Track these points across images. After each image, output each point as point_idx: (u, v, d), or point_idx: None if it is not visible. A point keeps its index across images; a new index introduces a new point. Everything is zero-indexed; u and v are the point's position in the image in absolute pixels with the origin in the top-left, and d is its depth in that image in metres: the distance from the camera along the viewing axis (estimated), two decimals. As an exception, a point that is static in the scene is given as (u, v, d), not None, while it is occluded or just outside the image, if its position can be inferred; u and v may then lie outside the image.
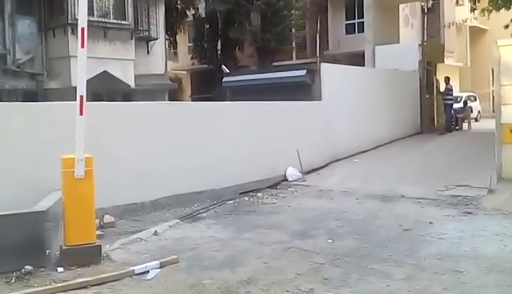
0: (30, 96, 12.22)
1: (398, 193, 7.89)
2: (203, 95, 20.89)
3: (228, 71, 14.84)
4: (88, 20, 14.89)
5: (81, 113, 4.72)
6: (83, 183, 4.72)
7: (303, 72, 11.68)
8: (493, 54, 8.03)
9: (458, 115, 17.08)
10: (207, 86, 20.75)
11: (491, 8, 14.65)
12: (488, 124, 12.89)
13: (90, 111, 6.93)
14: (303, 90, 11.21)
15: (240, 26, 19.42)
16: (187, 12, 21.58)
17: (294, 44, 21.97)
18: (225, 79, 13.77)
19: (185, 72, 27.12)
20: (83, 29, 4.76)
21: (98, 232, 5.41)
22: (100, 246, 4.93)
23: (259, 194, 8.25)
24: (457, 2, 17.74)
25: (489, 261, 4.63)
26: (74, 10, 12.63)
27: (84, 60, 4.76)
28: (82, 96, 4.68)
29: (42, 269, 4.55)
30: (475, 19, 26.65)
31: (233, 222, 6.53)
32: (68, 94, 11.75)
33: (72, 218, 4.74)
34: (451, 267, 4.51)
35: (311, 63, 17.14)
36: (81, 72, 4.74)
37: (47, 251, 4.67)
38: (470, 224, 5.98)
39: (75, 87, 12.69)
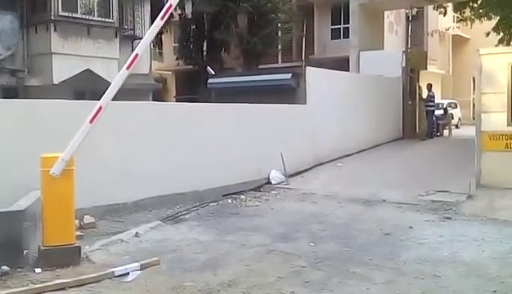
0: (10, 93, 11.98)
1: (380, 197, 7.97)
2: (187, 96, 20.80)
3: (213, 73, 14.81)
4: (72, 17, 14.79)
5: (91, 122, 4.74)
6: (62, 182, 4.64)
7: (289, 75, 11.74)
8: (475, 62, 8.21)
9: (439, 121, 17.38)
10: (192, 88, 20.67)
11: (473, 17, 14.99)
12: (468, 131, 13.15)
13: (72, 109, 6.86)
14: (288, 93, 11.26)
15: (226, 28, 19.39)
16: (173, 12, 21.44)
17: (279, 47, 22.06)
18: (210, 81, 13.74)
19: (170, 72, 26.96)
20: (136, 55, 4.88)
21: (78, 232, 5.33)
22: (79, 247, 4.86)
23: (242, 197, 8.24)
24: (442, 12, 18.06)
25: (467, 266, 4.71)
26: (57, 6, 12.46)
27: (122, 79, 4.84)
28: (101, 107, 4.78)
29: (19, 269, 4.46)
30: (458, 28, 27.19)
31: (216, 224, 6.51)
32: (49, 91, 11.61)
33: (51, 218, 4.67)
34: (430, 271, 4.57)
35: (296, 67, 17.25)
36: (114, 87, 4.84)
37: (25, 252, 4.58)
38: (449, 230, 6.07)
39: (57, 85, 12.56)
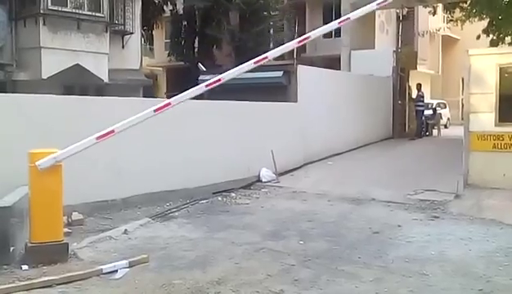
0: (-2, 87, 11.81)
1: (369, 196, 8.01)
2: (178, 92, 20.63)
3: (205, 69, 14.74)
4: (61, 11, 14.57)
5: (98, 139, 4.80)
6: (50, 178, 4.59)
7: (280, 73, 11.72)
8: (464, 63, 8.28)
9: (428, 121, 17.52)
10: (183, 84, 20.42)
11: (464, 18, 15.12)
12: (457, 131, 13.29)
13: (62, 104, 6.79)
14: (280, 91, 11.25)
15: (218, 24, 19.33)
16: (165, 8, 21.32)
17: (271, 45, 22.03)
18: (201, 77, 13.64)
19: (160, 68, 26.79)
20: (169, 103, 5.19)
21: (66, 229, 5.27)
22: (67, 244, 4.82)
23: (233, 194, 8.23)
24: (431, 11, 18.21)
25: (454, 265, 4.75)
26: (46, 0, 12.28)
27: (146, 117, 4.98)
28: (113, 131, 4.87)
29: (5, 266, 4.42)
30: (448, 28, 27.42)
31: (205, 222, 6.49)
32: (38, 86, 11.45)
33: (38, 214, 4.61)
34: (417, 270, 4.61)
35: (288, 65, 17.23)
36: (134, 120, 4.95)
37: (12, 248, 4.53)
38: (437, 229, 6.13)
39: (46, 79, 12.38)
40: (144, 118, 4.95)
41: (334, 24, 5.41)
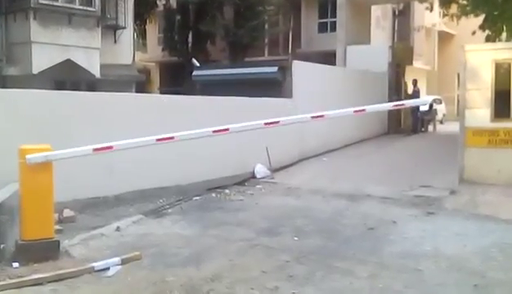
0: (-12, 83, 11.65)
1: (364, 192, 7.99)
2: (172, 87, 20.55)
3: (198, 64, 14.65)
4: (52, 5, 14.41)
5: (95, 150, 4.86)
6: (41, 174, 4.52)
7: (275, 68, 11.65)
8: (460, 58, 8.26)
9: (424, 117, 17.55)
10: (176, 79, 20.44)
11: (459, 14, 15.09)
12: (452, 127, 13.31)
13: (52, 99, 6.69)
14: (274, 86, 11.18)
15: (212, 19, 19.21)
16: (158, 2, 21.15)
17: (266, 40, 21.94)
18: (195, 73, 13.58)
19: (154, 63, 26.61)
20: None
21: (57, 226, 5.21)
22: (58, 241, 4.75)
23: (227, 191, 8.17)
24: (428, 7, 18.18)
25: (449, 261, 4.74)
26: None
27: (146, 143, 5.06)
28: (111, 147, 5.02)
29: (-5, 264, 4.35)
30: (444, 24, 27.40)
31: (199, 218, 6.44)
32: (28, 81, 11.31)
33: (29, 211, 4.55)
34: (412, 266, 4.60)
35: (283, 60, 17.18)
36: (138, 143, 5.08)
37: (2, 246, 4.48)
38: (432, 224, 6.12)
39: (36, 75, 12.23)
40: (144, 143, 5.01)
41: (350, 111, 6.02)
